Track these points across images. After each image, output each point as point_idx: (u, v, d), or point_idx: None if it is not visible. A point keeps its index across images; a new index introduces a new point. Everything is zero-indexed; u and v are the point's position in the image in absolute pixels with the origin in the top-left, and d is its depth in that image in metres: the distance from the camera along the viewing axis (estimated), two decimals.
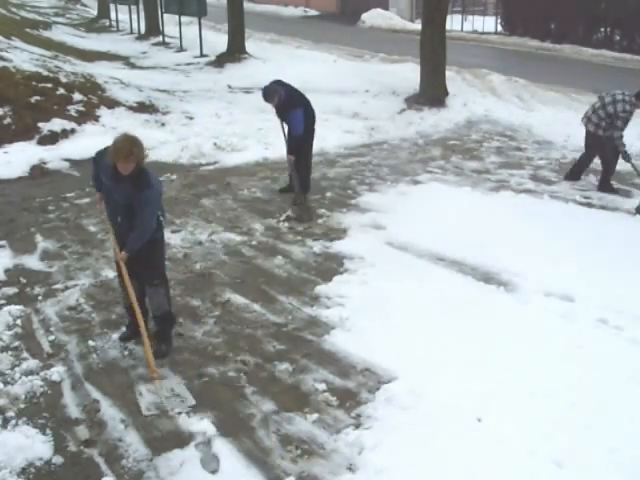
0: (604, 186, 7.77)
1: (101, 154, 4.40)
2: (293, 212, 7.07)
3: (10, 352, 4.61)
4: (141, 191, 4.17)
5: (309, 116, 7.29)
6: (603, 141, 7.62)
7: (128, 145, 4.06)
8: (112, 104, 10.96)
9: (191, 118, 11.11)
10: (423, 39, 12.24)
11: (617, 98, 7.51)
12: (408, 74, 13.90)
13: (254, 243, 6.44)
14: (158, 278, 4.56)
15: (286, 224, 6.85)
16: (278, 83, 7.32)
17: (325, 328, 4.90)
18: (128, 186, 4.16)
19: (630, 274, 5.54)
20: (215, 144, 9.57)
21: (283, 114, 7.20)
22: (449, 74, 12.81)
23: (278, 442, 3.74)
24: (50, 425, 3.91)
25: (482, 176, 8.42)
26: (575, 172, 8.18)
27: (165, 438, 3.80)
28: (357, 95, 13.01)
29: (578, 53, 18.42)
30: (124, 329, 4.82)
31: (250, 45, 17.54)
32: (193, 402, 4.07)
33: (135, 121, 10.58)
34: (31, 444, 3.72)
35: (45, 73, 11.61)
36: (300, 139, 7.19)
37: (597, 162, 8.98)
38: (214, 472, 3.55)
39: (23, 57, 13.18)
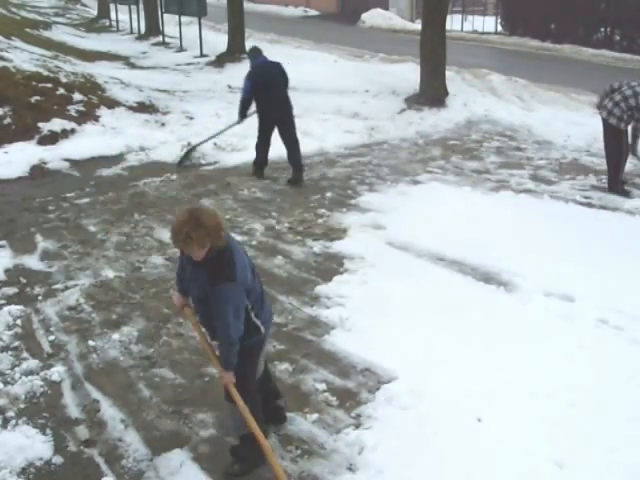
0: (612, 186, 7.63)
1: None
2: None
3: (10, 352, 4.61)
4: (216, 284, 3.18)
5: (267, 93, 7.97)
6: (620, 134, 7.43)
7: (186, 228, 3.09)
8: (112, 104, 10.96)
9: (191, 118, 11.11)
10: (423, 39, 12.23)
11: (637, 90, 7.24)
12: (408, 74, 13.90)
13: (254, 243, 6.44)
14: (240, 394, 3.39)
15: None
16: (259, 55, 8.65)
17: (325, 328, 4.90)
18: (203, 275, 3.22)
19: (630, 274, 5.54)
20: (215, 144, 9.57)
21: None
22: (449, 74, 12.81)
23: (278, 442, 3.75)
24: (50, 425, 3.91)
25: (482, 176, 8.42)
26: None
27: (165, 438, 3.80)
28: (357, 95, 13.00)
29: (578, 53, 18.41)
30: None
31: (250, 45, 17.50)
32: None
33: (135, 121, 10.59)
34: (31, 444, 3.73)
35: (45, 73, 11.61)
36: (244, 103, 8.11)
37: (594, 161, 9.00)
38: (214, 472, 3.55)
39: (23, 57, 13.18)
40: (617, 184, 7.63)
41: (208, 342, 3.51)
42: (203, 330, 3.52)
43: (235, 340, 3.27)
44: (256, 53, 8.51)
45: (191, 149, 9.02)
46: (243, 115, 8.26)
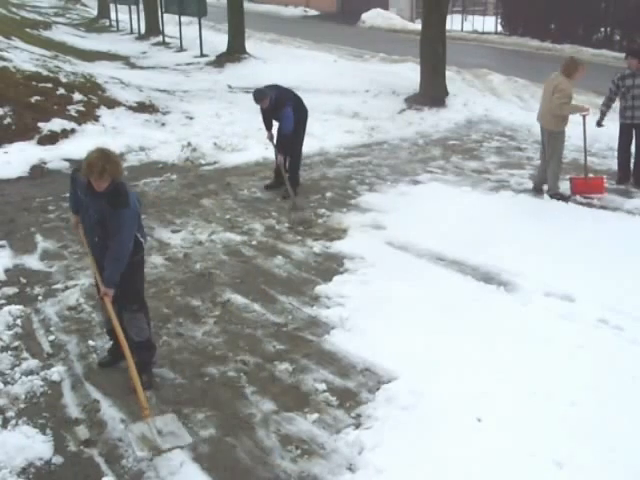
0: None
1: (77, 170, 4.09)
2: (294, 217, 7.09)
3: (10, 352, 4.61)
4: (115, 209, 3.84)
5: (300, 113, 7.50)
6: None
7: (101, 162, 3.73)
8: (112, 104, 10.96)
9: (191, 118, 11.11)
10: (423, 39, 12.24)
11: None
12: (408, 74, 13.92)
13: (254, 243, 6.44)
14: (137, 303, 4.20)
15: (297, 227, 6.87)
16: (269, 87, 7.52)
17: (325, 328, 4.90)
18: (103, 203, 3.86)
19: (630, 274, 5.54)
20: (215, 144, 9.57)
21: (274, 114, 7.44)
22: (449, 74, 12.82)
23: (278, 442, 3.75)
24: (50, 425, 3.91)
25: (482, 176, 8.42)
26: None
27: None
28: (357, 95, 13.01)
29: (578, 53, 18.36)
30: (105, 356, 4.51)
31: (250, 45, 17.55)
32: (189, 440, 3.73)
33: (135, 121, 10.59)
34: (31, 444, 3.73)
35: (45, 73, 11.61)
36: (290, 137, 7.41)
37: (594, 161, 9.00)
38: (214, 472, 3.55)
39: (23, 57, 13.18)
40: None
41: (93, 269, 4.27)
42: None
43: (124, 257, 3.93)
44: (268, 87, 7.58)
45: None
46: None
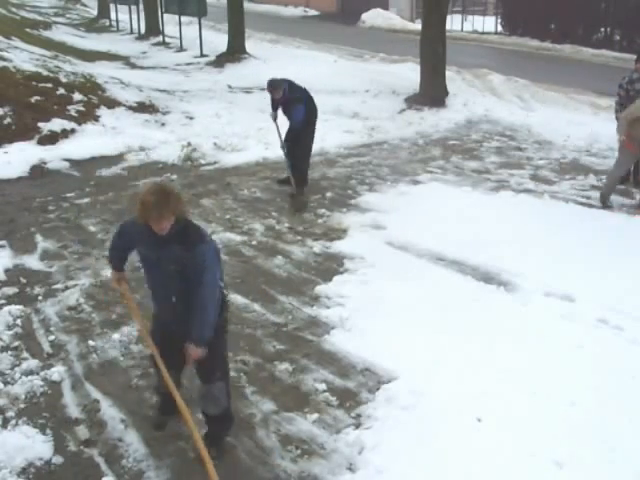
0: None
1: (128, 223, 3.47)
2: (291, 204, 7.25)
3: (10, 352, 4.61)
4: (194, 248, 3.19)
5: (310, 112, 7.54)
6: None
7: (157, 198, 3.10)
8: (112, 104, 10.96)
9: (191, 118, 11.11)
10: (423, 39, 12.24)
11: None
12: (408, 74, 13.91)
13: (254, 243, 6.44)
14: (220, 371, 3.56)
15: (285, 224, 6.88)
16: (284, 80, 7.57)
17: (325, 328, 4.90)
18: (175, 248, 3.20)
19: (630, 274, 5.54)
20: (215, 144, 9.57)
21: (285, 108, 7.49)
22: (449, 74, 12.82)
23: (278, 442, 3.75)
24: (50, 425, 3.91)
25: (482, 176, 8.42)
26: None
27: (165, 438, 3.79)
28: (357, 95, 13.01)
29: (578, 53, 18.42)
30: (156, 411, 3.85)
31: (250, 45, 17.54)
32: None
33: (135, 121, 10.58)
34: (31, 444, 3.73)
35: (45, 73, 11.61)
36: (299, 131, 7.49)
37: (593, 161, 9.01)
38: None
39: (23, 57, 13.18)
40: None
41: (134, 305, 3.71)
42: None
43: (215, 303, 3.26)
44: (283, 79, 7.59)
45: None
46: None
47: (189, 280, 3.22)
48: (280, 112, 7.64)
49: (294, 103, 7.36)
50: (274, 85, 7.41)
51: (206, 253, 3.22)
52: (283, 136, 7.66)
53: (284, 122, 7.68)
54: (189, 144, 9.36)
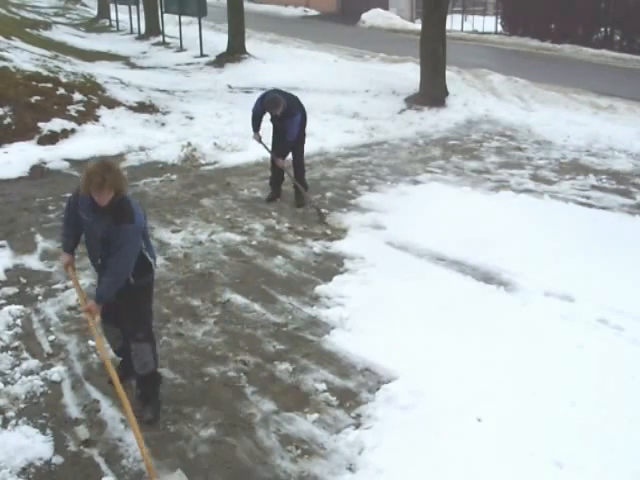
0: None
1: (73, 194, 3.89)
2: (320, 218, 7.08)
3: (10, 352, 4.61)
4: (119, 224, 3.61)
5: (303, 118, 7.37)
6: None
7: (100, 171, 3.51)
8: (112, 104, 10.95)
9: (191, 118, 11.11)
10: (423, 39, 12.24)
11: None
12: (408, 74, 13.92)
13: (254, 243, 6.44)
14: (142, 331, 3.92)
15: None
16: (277, 92, 7.34)
17: (325, 328, 4.90)
18: (108, 219, 3.62)
19: (630, 274, 5.54)
20: (215, 144, 9.57)
21: (282, 120, 7.17)
22: (449, 74, 12.82)
23: (278, 442, 3.75)
24: (50, 425, 3.91)
25: (482, 176, 8.42)
26: None
27: (165, 438, 3.79)
28: (357, 95, 13.01)
29: (578, 53, 18.42)
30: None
31: (250, 45, 17.54)
32: None
33: (135, 121, 10.59)
34: (31, 444, 3.73)
35: (45, 73, 11.60)
36: (293, 144, 7.27)
37: (593, 161, 9.01)
38: (214, 472, 3.54)
39: (23, 57, 13.17)
40: None
41: (79, 286, 4.08)
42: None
43: (123, 275, 3.69)
44: (275, 91, 7.42)
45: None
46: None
47: (110, 249, 3.66)
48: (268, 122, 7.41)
49: (292, 115, 7.10)
50: (273, 105, 7.02)
51: (128, 232, 3.63)
52: (279, 149, 7.41)
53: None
54: (189, 144, 9.37)
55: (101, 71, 14.28)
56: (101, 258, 3.78)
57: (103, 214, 3.63)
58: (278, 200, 7.59)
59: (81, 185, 3.61)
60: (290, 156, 7.49)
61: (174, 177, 8.46)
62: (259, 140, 7.46)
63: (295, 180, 7.44)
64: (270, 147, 7.52)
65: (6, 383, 4.27)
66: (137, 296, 3.86)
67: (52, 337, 4.82)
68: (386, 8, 26.59)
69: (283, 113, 7.10)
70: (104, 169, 3.55)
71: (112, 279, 3.69)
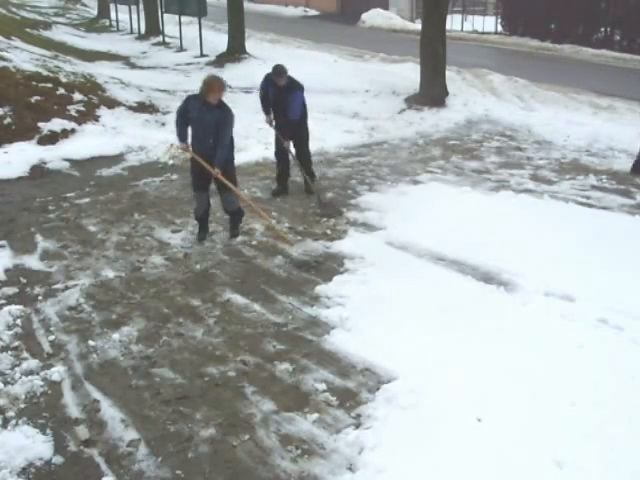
0: None
1: (188, 99, 6.24)
2: (322, 210, 7.19)
3: (10, 352, 4.61)
4: (227, 112, 5.93)
5: (304, 102, 7.42)
6: None
7: (221, 81, 6.06)
8: (112, 104, 10.96)
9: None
10: (423, 39, 12.24)
11: None
12: (408, 74, 13.91)
13: (254, 243, 6.44)
14: (229, 187, 6.16)
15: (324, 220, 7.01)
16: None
17: (325, 328, 4.90)
18: (218, 111, 5.91)
19: (630, 274, 5.54)
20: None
21: (285, 95, 7.17)
22: (449, 74, 12.82)
23: (278, 442, 3.75)
24: (50, 425, 3.91)
25: (482, 176, 8.42)
26: None
27: (165, 438, 3.80)
28: (357, 95, 13.01)
29: (578, 53, 18.42)
30: (197, 232, 6.53)
31: (250, 45, 17.54)
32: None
33: (135, 121, 10.59)
34: (31, 444, 3.73)
35: (45, 73, 11.61)
36: (297, 123, 7.30)
37: (594, 161, 9.01)
38: (214, 472, 3.54)
39: (23, 57, 13.17)
40: None
41: (204, 163, 6.01)
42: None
43: (229, 147, 6.12)
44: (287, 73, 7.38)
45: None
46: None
47: (219, 129, 5.92)
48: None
49: (294, 91, 7.15)
50: (279, 70, 7.12)
51: (230, 117, 5.99)
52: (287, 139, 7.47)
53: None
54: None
55: (101, 71, 14.28)
56: (213, 138, 5.92)
57: (214, 108, 5.94)
58: (278, 200, 7.59)
59: (209, 90, 5.95)
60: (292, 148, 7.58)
61: (174, 177, 8.46)
62: (270, 123, 7.55)
63: (302, 168, 7.54)
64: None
65: (6, 383, 4.27)
66: (230, 164, 6.22)
67: (52, 337, 4.82)
68: (386, 8, 26.59)
69: (286, 87, 7.17)
70: (219, 79, 6.11)
71: (225, 149, 5.97)
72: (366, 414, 3.94)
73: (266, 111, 7.49)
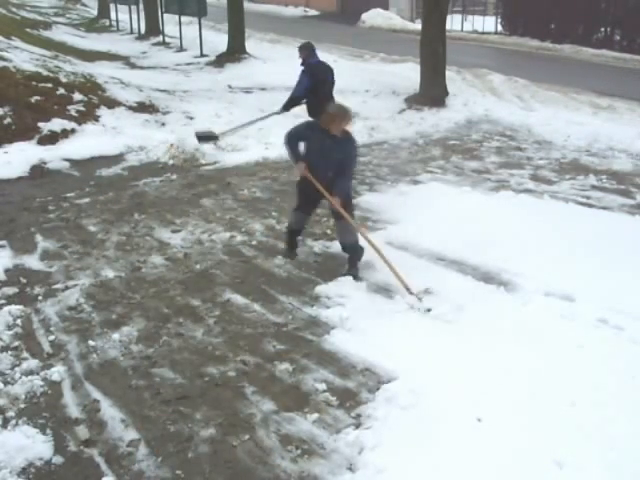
0: None
1: (310, 126, 5.61)
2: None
3: (10, 352, 4.61)
4: (354, 144, 5.45)
5: (321, 89, 8.17)
6: None
7: (349, 113, 5.38)
8: (112, 104, 10.96)
9: (191, 118, 11.11)
10: (423, 39, 12.24)
11: None
12: (408, 74, 13.92)
13: (254, 243, 6.44)
14: (346, 216, 5.55)
15: None
16: (314, 50, 8.43)
17: (325, 328, 4.90)
18: (343, 143, 5.35)
19: (630, 274, 5.54)
20: (215, 144, 9.57)
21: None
22: (449, 74, 12.82)
23: (278, 442, 3.75)
24: (50, 425, 3.91)
25: (482, 176, 8.42)
26: None
27: (165, 438, 3.80)
28: (357, 95, 13.01)
29: (578, 53, 18.42)
30: (285, 249, 6.11)
31: (250, 45, 17.55)
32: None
33: (135, 121, 10.59)
34: (31, 444, 3.72)
35: (45, 73, 11.61)
36: (296, 100, 8.16)
37: (594, 161, 9.01)
38: (214, 472, 3.54)
39: (23, 57, 13.18)
40: None
41: (319, 185, 5.55)
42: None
43: (352, 180, 5.75)
44: (312, 50, 8.37)
45: (214, 135, 9.11)
46: (287, 109, 8.37)
47: (343, 163, 5.39)
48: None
49: (303, 71, 8.06)
50: (304, 46, 8.25)
51: (354, 150, 5.50)
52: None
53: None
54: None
55: (101, 71, 14.29)
56: (333, 171, 5.41)
57: (341, 141, 5.35)
58: (278, 200, 7.59)
59: (332, 122, 5.31)
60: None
61: (174, 177, 8.46)
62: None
63: None
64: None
65: (6, 383, 4.27)
66: (350, 195, 5.73)
67: (52, 337, 4.82)
68: (386, 8, 26.61)
69: (304, 65, 8.17)
70: (346, 110, 5.37)
71: (348, 181, 5.53)
72: (366, 414, 3.94)
73: (287, 108, 8.36)
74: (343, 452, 3.66)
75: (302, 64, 8.19)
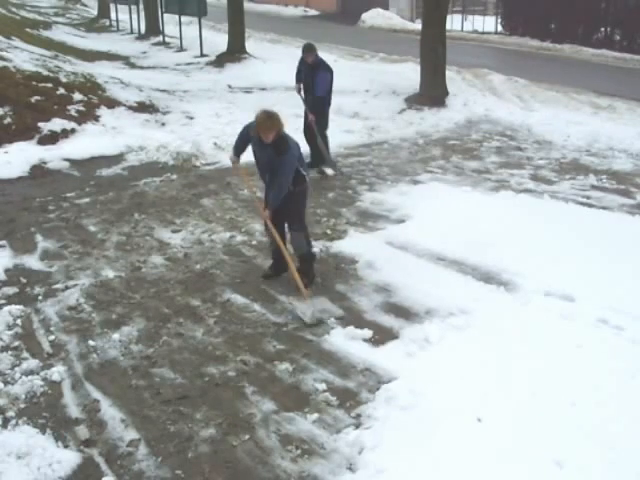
0: None
1: (249, 126, 5.32)
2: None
3: (10, 352, 4.61)
4: (279, 155, 5.04)
5: (331, 81, 8.26)
6: None
7: (268, 121, 4.99)
8: (112, 104, 10.95)
9: (191, 118, 11.10)
10: (423, 39, 12.24)
11: None
12: (408, 74, 13.92)
13: (254, 243, 6.44)
14: (298, 224, 5.44)
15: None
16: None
17: (325, 328, 4.90)
18: (271, 151, 5.07)
19: (630, 274, 5.54)
20: (215, 144, 9.56)
21: (313, 73, 8.07)
22: (449, 74, 12.82)
23: (278, 442, 3.75)
24: (50, 425, 3.91)
25: (482, 176, 8.42)
26: None
27: (165, 438, 3.80)
28: (357, 95, 13.01)
29: (578, 53, 18.41)
30: (267, 270, 5.72)
31: (250, 45, 17.54)
32: (341, 313, 4.99)
33: (135, 121, 10.58)
34: (31, 444, 3.72)
35: (45, 73, 11.61)
36: (321, 103, 8.17)
37: (593, 161, 9.01)
38: (214, 472, 3.54)
39: (23, 57, 13.17)
40: None
41: (256, 195, 5.79)
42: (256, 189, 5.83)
43: (284, 190, 5.15)
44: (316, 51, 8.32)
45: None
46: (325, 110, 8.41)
47: (274, 170, 5.14)
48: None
49: (322, 69, 8.01)
50: (308, 47, 8.11)
51: (286, 161, 5.07)
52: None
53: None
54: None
55: (101, 71, 14.29)
56: (269, 175, 5.25)
57: (267, 147, 5.06)
58: None
59: (252, 130, 5.09)
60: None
61: (174, 177, 8.46)
62: (298, 91, 8.40)
63: (320, 139, 8.21)
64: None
65: (6, 383, 4.27)
66: (295, 199, 5.30)
67: (52, 337, 4.82)
68: (386, 8, 26.59)
69: (315, 66, 8.06)
70: (270, 118, 4.99)
71: (277, 191, 5.16)
72: (366, 414, 3.94)
73: (297, 81, 8.38)
74: (343, 452, 3.66)
75: (312, 63, 8.13)
